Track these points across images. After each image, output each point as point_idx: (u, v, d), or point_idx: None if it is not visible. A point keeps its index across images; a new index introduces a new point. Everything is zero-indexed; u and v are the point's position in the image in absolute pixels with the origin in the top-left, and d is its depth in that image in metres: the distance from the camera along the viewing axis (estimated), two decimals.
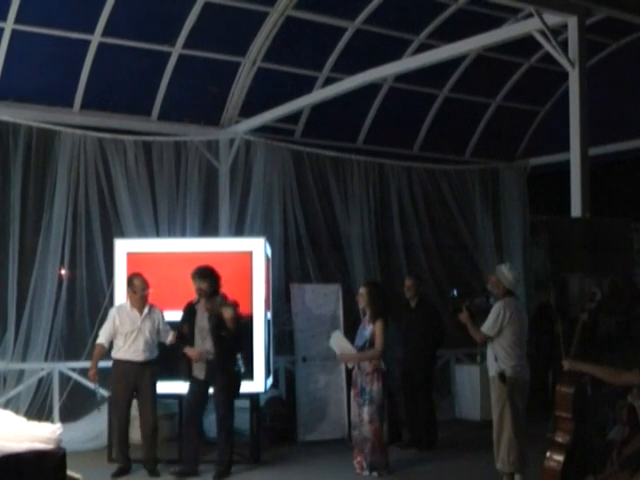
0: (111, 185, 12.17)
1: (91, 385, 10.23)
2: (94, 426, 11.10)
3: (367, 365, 9.78)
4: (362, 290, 10.08)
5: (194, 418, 9.85)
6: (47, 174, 11.84)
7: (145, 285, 9.99)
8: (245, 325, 10.15)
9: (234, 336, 9.69)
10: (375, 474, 9.67)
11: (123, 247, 10.94)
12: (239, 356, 9.77)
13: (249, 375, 10.40)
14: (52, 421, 10.49)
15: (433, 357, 11.64)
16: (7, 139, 11.63)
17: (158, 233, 12.33)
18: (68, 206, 11.83)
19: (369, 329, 9.82)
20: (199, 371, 9.79)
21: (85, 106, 12.29)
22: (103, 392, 10.14)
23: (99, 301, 11.58)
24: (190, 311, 9.90)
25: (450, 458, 10.72)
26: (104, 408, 10.49)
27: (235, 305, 9.81)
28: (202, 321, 9.80)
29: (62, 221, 11.73)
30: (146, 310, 9.98)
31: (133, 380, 9.81)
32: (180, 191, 12.70)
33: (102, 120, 12.39)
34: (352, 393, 10.00)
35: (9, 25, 11.26)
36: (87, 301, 11.77)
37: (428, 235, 14.55)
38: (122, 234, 11.82)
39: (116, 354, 9.91)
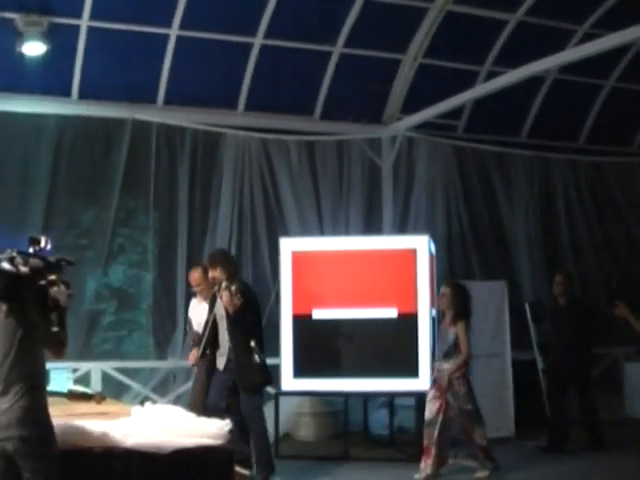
0: (275, 185, 12.29)
1: None
2: None
3: (453, 370, 9.25)
4: (445, 290, 9.48)
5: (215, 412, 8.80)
6: (213, 175, 12.05)
7: None
8: (254, 307, 9.15)
9: (240, 321, 8.86)
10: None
11: (288, 246, 10.99)
12: (253, 344, 8.81)
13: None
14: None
15: (589, 356, 11.07)
16: (174, 142, 11.90)
17: (322, 232, 12.35)
18: (234, 206, 12.02)
19: (452, 332, 9.26)
20: (220, 361, 9.19)
21: (249, 108, 12.41)
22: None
23: (265, 300, 11.66)
24: (212, 301, 9.30)
25: (619, 458, 10.30)
26: (271, 404, 10.56)
27: (239, 285, 8.92)
28: (219, 310, 9.20)
29: (228, 221, 11.93)
30: None
31: None
32: (343, 189, 12.70)
33: (265, 121, 12.48)
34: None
35: (174, 32, 11.49)
36: None
37: (597, 231, 14.07)
38: (287, 233, 11.90)
39: None
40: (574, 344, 10.79)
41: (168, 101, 12.01)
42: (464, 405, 9.11)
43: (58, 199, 11.40)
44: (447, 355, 9.21)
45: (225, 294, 8.73)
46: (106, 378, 11.10)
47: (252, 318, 8.96)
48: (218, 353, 9.11)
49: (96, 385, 10.69)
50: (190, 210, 11.88)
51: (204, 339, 9.05)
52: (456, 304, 9.27)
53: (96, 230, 11.67)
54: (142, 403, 7.45)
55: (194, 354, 9.37)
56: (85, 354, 11.10)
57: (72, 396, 7.63)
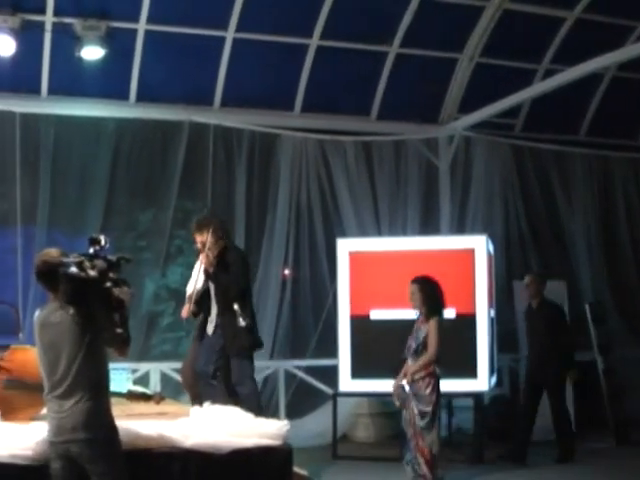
0: (332, 185, 12.27)
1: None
2: (319, 423, 11.15)
3: (416, 368, 8.51)
4: (412, 288, 8.70)
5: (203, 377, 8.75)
6: (270, 177, 12.08)
7: None
8: (243, 271, 8.65)
9: (223, 285, 8.51)
10: None
11: (345, 246, 10.98)
12: (236, 307, 8.39)
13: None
14: (278, 418, 10.61)
15: (561, 361, 10.24)
16: (231, 144, 11.94)
17: (379, 232, 12.30)
18: (291, 207, 12.04)
19: (424, 330, 8.55)
20: (209, 327, 8.85)
21: (305, 109, 12.39)
22: None
23: (322, 301, 11.66)
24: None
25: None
26: (329, 405, 10.53)
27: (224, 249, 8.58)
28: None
29: (285, 222, 11.95)
30: None
31: None
32: (400, 189, 12.64)
33: (322, 122, 12.46)
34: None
35: (230, 34, 11.51)
36: (310, 301, 11.89)
37: None
38: (344, 234, 11.87)
39: None
40: (547, 348, 10.24)
41: (225, 103, 12.04)
42: (424, 407, 8.59)
43: (116, 201, 11.50)
44: (416, 353, 8.54)
45: (203, 256, 8.50)
46: (165, 378, 11.15)
47: (240, 281, 8.55)
48: (209, 319, 8.82)
49: (155, 385, 10.77)
50: (247, 211, 11.90)
51: (193, 297, 8.75)
52: (429, 300, 8.58)
53: (154, 232, 11.75)
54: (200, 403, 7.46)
55: (186, 308, 8.96)
56: (144, 355, 11.18)
57: (131, 396, 7.63)
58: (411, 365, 8.37)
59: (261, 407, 8.55)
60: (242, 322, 8.34)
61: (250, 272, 8.75)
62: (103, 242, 4.95)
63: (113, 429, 4.99)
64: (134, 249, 11.37)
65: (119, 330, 4.93)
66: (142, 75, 11.50)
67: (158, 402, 7.52)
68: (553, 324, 10.37)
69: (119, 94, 11.64)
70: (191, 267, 11.48)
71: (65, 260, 4.80)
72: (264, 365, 11.44)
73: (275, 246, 11.85)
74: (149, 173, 11.66)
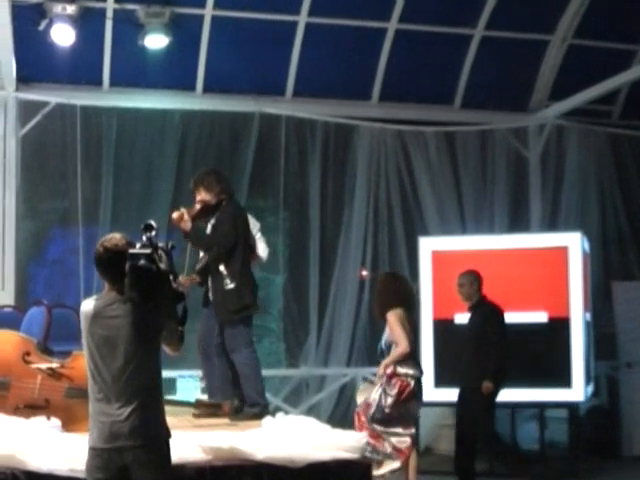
0: (413, 179, 12.24)
1: None
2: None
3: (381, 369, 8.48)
4: (377, 285, 8.74)
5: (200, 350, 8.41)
6: (346, 170, 12.09)
7: None
8: (236, 231, 8.10)
9: (205, 244, 8.17)
10: None
11: (428, 245, 10.94)
12: (222, 268, 8.00)
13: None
14: None
15: (492, 372, 9.05)
16: (304, 136, 11.97)
17: (464, 230, 12.22)
18: (369, 203, 12.04)
19: (385, 330, 8.52)
20: (209, 293, 8.38)
21: (383, 98, 12.36)
22: None
23: None
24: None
25: None
26: None
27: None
28: None
29: (363, 219, 11.96)
30: None
31: None
32: (487, 184, 12.55)
33: (401, 111, 12.42)
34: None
35: (302, 18, 11.54)
36: None
37: None
38: (426, 232, 11.84)
39: None
40: (478, 356, 9.20)
41: (297, 93, 12.08)
42: (385, 406, 8.49)
43: (183, 199, 11.53)
44: (381, 357, 8.59)
45: (176, 214, 8.15)
46: None
47: (223, 241, 8.08)
48: (208, 285, 8.41)
49: None
50: (322, 208, 11.93)
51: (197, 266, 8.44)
52: (385, 294, 8.60)
53: None
54: (273, 414, 7.48)
55: (186, 279, 8.35)
56: None
57: (200, 406, 7.71)
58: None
59: (260, 379, 8.12)
60: (229, 284, 8.02)
61: (243, 228, 8.15)
62: (155, 229, 4.89)
63: (169, 434, 4.92)
64: None
65: (179, 327, 4.89)
66: (209, 64, 11.59)
67: (228, 412, 7.58)
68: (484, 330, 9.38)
69: (185, 85, 11.76)
70: (263, 268, 11.58)
71: (134, 251, 4.72)
72: (341, 372, 11.45)
73: (352, 245, 11.85)
74: (217, 168, 11.70)
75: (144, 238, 4.78)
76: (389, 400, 8.37)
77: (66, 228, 11.37)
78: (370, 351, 11.69)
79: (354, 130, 12.18)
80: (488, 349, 9.00)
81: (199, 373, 9.40)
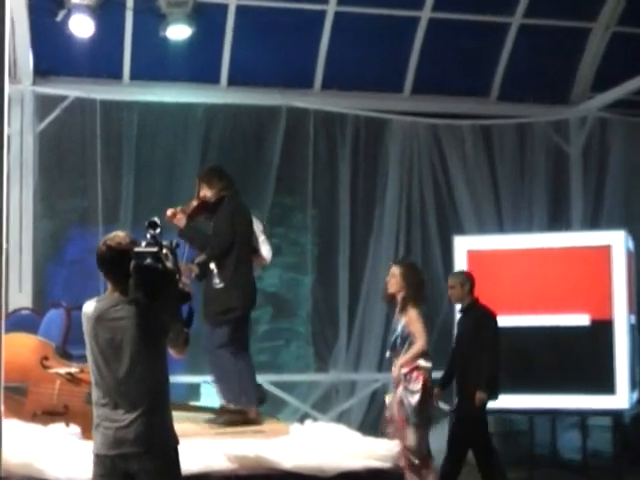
0: (447, 175, 12.23)
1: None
2: (434, 443, 11.06)
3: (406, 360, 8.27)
4: (395, 270, 8.55)
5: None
6: (377, 166, 12.08)
7: None
8: (220, 225, 8.16)
9: (198, 243, 8.19)
10: None
11: (463, 245, 10.94)
12: (212, 266, 8.02)
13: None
14: None
15: (485, 381, 8.87)
16: (333, 131, 11.97)
17: (502, 228, 12.19)
18: (401, 200, 12.03)
19: (402, 322, 8.43)
20: None
21: (416, 90, 12.34)
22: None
23: (437, 305, 11.58)
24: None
25: None
26: (444, 424, 10.47)
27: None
28: None
29: (395, 217, 11.95)
30: None
31: None
32: (525, 180, 12.51)
33: (435, 105, 12.40)
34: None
35: (331, 7, 11.55)
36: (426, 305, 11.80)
37: None
38: (461, 230, 11.81)
39: None
40: (470, 364, 8.97)
41: (326, 85, 12.09)
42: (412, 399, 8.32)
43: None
44: (394, 349, 8.46)
45: (170, 210, 8.16)
46: None
47: (216, 242, 8.12)
48: None
49: None
50: (352, 206, 11.93)
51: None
52: (408, 286, 8.53)
53: None
54: (301, 421, 7.50)
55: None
56: None
57: (224, 412, 7.72)
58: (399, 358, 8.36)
59: (236, 384, 7.94)
60: (218, 284, 8.04)
61: (242, 228, 8.14)
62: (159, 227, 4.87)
63: (177, 441, 4.92)
64: None
65: (185, 329, 4.88)
66: (234, 56, 11.61)
67: (254, 419, 7.59)
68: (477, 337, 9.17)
69: (208, 77, 11.80)
70: (290, 269, 11.65)
71: (139, 250, 4.71)
72: (372, 378, 11.44)
73: (383, 245, 11.84)
74: (242, 165, 11.72)
75: (148, 236, 4.77)
76: (416, 397, 8.25)
77: (85, 228, 11.42)
78: None
79: (386, 124, 12.16)
80: (480, 357, 8.83)
81: None
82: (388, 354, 8.69)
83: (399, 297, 8.59)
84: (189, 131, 11.61)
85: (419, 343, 8.35)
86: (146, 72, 11.51)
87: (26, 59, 10.88)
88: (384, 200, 11.99)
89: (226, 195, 8.22)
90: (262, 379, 11.04)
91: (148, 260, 4.63)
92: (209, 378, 8.44)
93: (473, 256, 10.78)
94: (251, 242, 8.24)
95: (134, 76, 11.53)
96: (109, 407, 4.77)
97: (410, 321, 8.43)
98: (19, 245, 10.96)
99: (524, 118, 12.67)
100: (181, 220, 8.09)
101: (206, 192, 8.24)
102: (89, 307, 4.88)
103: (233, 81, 11.80)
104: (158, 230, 4.79)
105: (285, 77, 11.89)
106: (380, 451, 6.31)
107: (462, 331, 9.38)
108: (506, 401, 9.88)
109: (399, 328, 8.49)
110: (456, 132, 12.34)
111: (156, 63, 11.42)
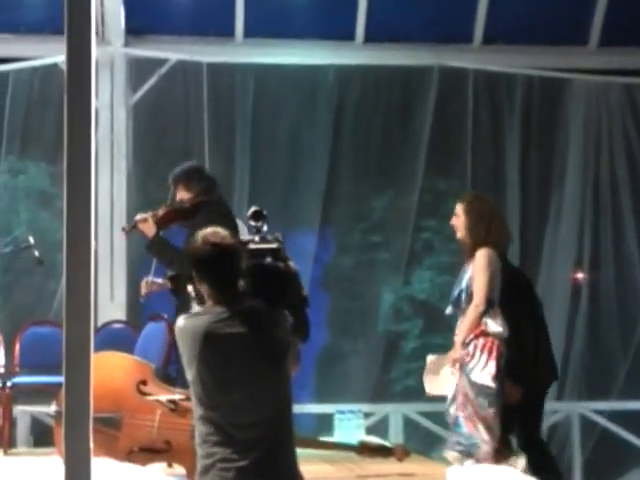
0: None
1: None
2: None
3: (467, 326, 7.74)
4: (457, 208, 8.16)
5: None
6: (554, 139, 11.93)
7: None
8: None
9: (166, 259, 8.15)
10: None
11: None
12: (190, 289, 7.98)
13: None
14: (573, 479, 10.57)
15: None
16: (498, 96, 11.91)
17: None
18: (586, 183, 11.88)
19: (468, 271, 7.88)
20: None
21: (604, 42, 12.09)
22: None
23: (634, 316, 11.42)
24: None
25: None
26: None
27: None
28: None
29: (578, 204, 11.81)
30: None
31: None
32: None
33: (629, 59, 12.14)
34: None
35: None
36: (617, 317, 11.64)
37: None
38: None
39: None
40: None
41: (488, 40, 12.01)
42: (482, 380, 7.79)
43: (340, 181, 11.64)
44: (457, 305, 7.93)
45: (139, 216, 8.17)
46: (410, 425, 11.28)
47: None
48: None
49: (397, 435, 10.88)
50: (522, 190, 11.81)
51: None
52: (474, 226, 7.99)
53: (393, 222, 11.89)
54: (460, 461, 7.44)
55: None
56: (380, 393, 11.33)
57: (364, 450, 7.72)
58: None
59: None
60: (196, 307, 8.01)
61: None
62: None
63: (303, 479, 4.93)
64: (365, 247, 11.58)
65: (301, 342, 4.87)
66: (371, 6, 11.59)
67: (401, 458, 7.58)
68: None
69: (341, 34, 11.83)
70: (445, 270, 11.59)
71: (257, 247, 4.70)
72: (551, 408, 11.29)
73: (563, 239, 11.72)
74: (385, 140, 11.77)
75: (252, 228, 4.74)
76: (487, 371, 7.67)
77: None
78: (590, 380, 11.54)
79: (566, 86, 12.01)
80: None
81: (363, 407, 9.47)
82: (449, 310, 8.14)
83: (467, 240, 8.09)
84: (317, 100, 11.66)
85: (475, 301, 7.71)
86: (263, 29, 11.60)
87: (117, 16, 11.06)
88: (563, 183, 11.85)
89: (204, 200, 8.10)
90: (410, 408, 11.10)
91: (268, 259, 4.61)
92: (344, 407, 8.47)
93: None
94: None
95: (248, 33, 11.60)
96: (225, 445, 4.76)
97: (474, 269, 7.86)
98: (110, 245, 11.11)
99: None
100: (151, 229, 8.02)
101: (183, 195, 8.18)
102: (193, 323, 4.94)
103: (371, 37, 11.80)
104: (263, 222, 4.77)
105: (437, 31, 11.87)
106: None
107: None
108: None
109: (465, 279, 7.98)
110: None
111: (275, 18, 11.51)
